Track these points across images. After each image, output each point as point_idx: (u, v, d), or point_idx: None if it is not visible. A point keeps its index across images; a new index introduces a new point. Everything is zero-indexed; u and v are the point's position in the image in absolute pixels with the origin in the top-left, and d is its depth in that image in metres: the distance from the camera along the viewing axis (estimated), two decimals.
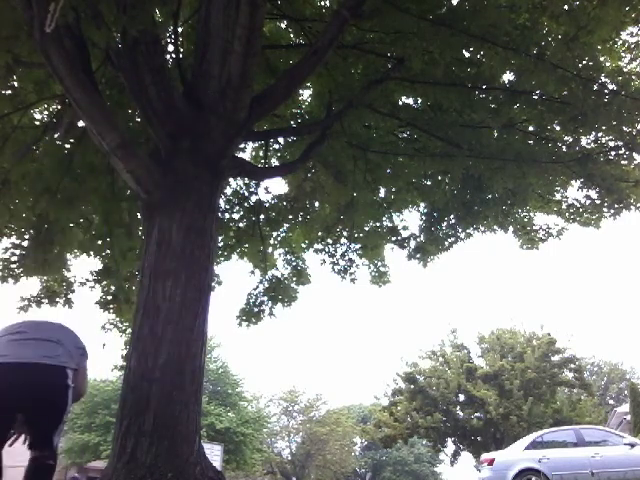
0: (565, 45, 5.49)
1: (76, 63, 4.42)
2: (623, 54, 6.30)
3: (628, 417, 19.53)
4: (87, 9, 4.27)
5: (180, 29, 6.09)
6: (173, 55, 6.00)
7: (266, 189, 8.56)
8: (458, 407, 24.30)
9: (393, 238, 8.39)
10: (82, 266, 9.72)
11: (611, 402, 39.77)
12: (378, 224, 8.33)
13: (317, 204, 8.30)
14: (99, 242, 7.38)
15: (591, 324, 74.41)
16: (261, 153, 7.92)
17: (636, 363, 43.95)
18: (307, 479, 36.09)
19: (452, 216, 8.10)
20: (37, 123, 6.81)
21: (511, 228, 8.34)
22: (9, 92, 5.89)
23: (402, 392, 25.46)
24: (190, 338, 4.20)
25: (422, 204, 8.26)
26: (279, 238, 8.41)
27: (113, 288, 7.70)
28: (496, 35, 5.40)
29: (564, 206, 7.95)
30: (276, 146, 7.82)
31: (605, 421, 25.41)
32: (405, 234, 8.36)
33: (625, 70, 6.12)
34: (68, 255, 7.57)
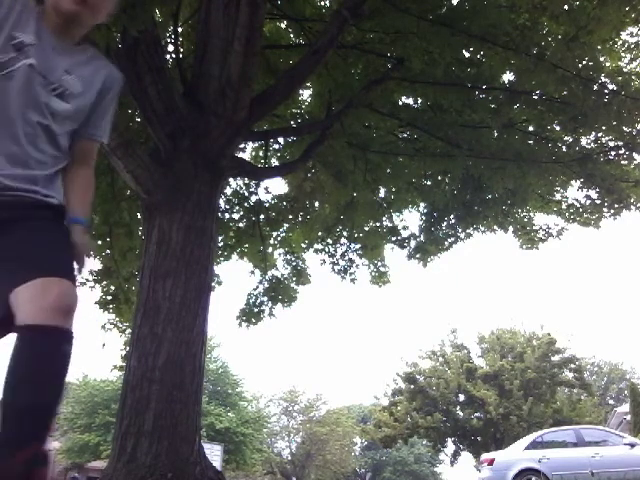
0: (565, 45, 5.48)
1: None
2: (623, 54, 6.30)
3: (628, 417, 19.53)
4: None
5: (180, 29, 6.09)
6: (173, 55, 6.00)
7: (266, 189, 8.58)
8: (458, 407, 24.30)
9: (393, 238, 8.40)
10: None
11: (611, 402, 39.76)
12: (378, 224, 8.34)
13: (317, 204, 8.31)
14: (99, 242, 7.38)
15: (591, 324, 74.42)
16: (261, 153, 7.93)
17: (636, 363, 43.97)
18: (307, 479, 36.08)
19: (452, 216, 8.11)
20: None
21: (511, 228, 8.34)
22: None
23: (402, 392, 25.47)
24: (190, 338, 4.20)
25: (422, 204, 8.26)
26: (279, 238, 8.41)
27: (113, 288, 7.70)
28: (496, 35, 5.40)
29: (564, 206, 7.95)
30: (276, 146, 7.83)
31: (605, 421, 25.42)
32: (405, 234, 8.37)
33: (625, 70, 6.12)
34: None
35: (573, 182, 7.41)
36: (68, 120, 1.56)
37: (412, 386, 24.89)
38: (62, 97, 1.51)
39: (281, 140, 7.71)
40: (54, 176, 1.56)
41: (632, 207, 7.19)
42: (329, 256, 8.56)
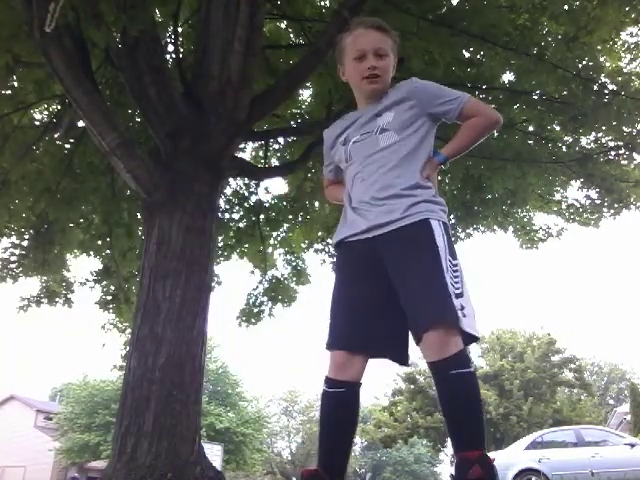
0: (565, 45, 5.49)
1: (76, 63, 4.42)
2: (623, 54, 6.29)
3: (628, 417, 19.56)
4: (87, 9, 4.27)
5: (180, 29, 6.09)
6: (173, 55, 6.00)
7: (266, 189, 8.56)
8: None
9: None
10: (82, 266, 9.75)
11: (611, 402, 39.81)
12: None
13: (317, 204, 8.30)
14: (99, 242, 7.38)
15: (591, 324, 74.46)
16: (261, 153, 7.92)
17: (636, 363, 43.99)
18: None
19: (452, 216, 8.10)
20: (37, 123, 6.82)
21: (511, 228, 8.34)
22: (9, 92, 5.89)
23: (402, 392, 25.48)
24: (190, 338, 4.20)
25: None
26: (279, 238, 8.41)
27: (113, 288, 7.71)
28: (496, 35, 5.40)
29: (564, 206, 7.95)
30: (276, 146, 7.82)
31: (605, 421, 25.46)
32: None
33: (625, 70, 6.12)
34: (68, 255, 7.58)
35: (573, 182, 7.40)
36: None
37: (412, 386, 24.91)
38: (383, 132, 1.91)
39: (281, 140, 7.71)
40: None
41: (632, 207, 7.19)
42: (329, 256, 8.55)
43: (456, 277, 1.72)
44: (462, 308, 1.68)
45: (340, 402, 1.86)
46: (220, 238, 7.72)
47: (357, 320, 1.81)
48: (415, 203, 1.78)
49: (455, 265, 1.75)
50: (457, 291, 1.69)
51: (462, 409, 1.66)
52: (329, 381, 1.86)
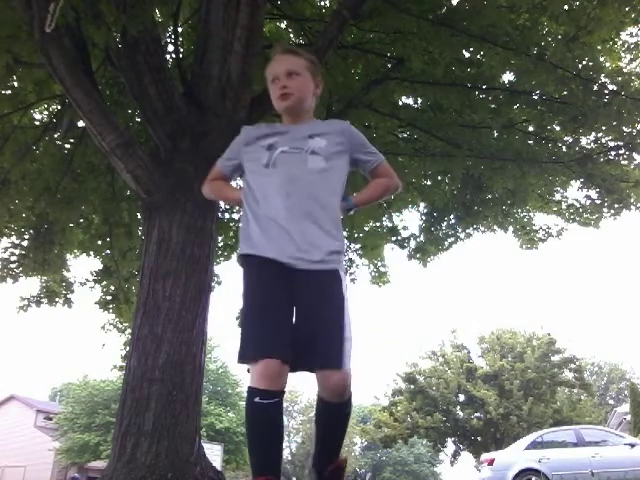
0: (565, 45, 5.49)
1: (76, 63, 4.42)
2: (623, 54, 6.30)
3: (628, 417, 19.55)
4: (87, 9, 4.27)
5: (180, 29, 6.09)
6: (173, 55, 6.00)
7: None
8: (458, 407, 24.31)
9: (393, 238, 8.39)
10: (82, 266, 9.76)
11: (611, 402, 39.83)
12: (378, 224, 8.32)
13: None
14: (99, 242, 7.38)
15: (591, 324, 74.48)
16: None
17: (636, 363, 43.99)
18: (307, 479, 36.07)
19: (452, 216, 8.10)
20: (37, 123, 6.82)
21: (511, 228, 8.34)
22: (9, 92, 5.89)
23: (402, 392, 25.47)
24: (190, 338, 4.20)
25: (422, 204, 8.25)
26: None
27: (113, 288, 7.70)
28: (496, 35, 5.40)
29: (564, 206, 7.95)
30: None
31: (605, 421, 25.47)
32: (405, 234, 8.37)
33: (625, 70, 6.12)
34: (68, 255, 7.58)
35: (573, 182, 7.40)
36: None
37: (412, 386, 24.90)
38: (313, 154, 2.06)
39: None
40: None
41: (632, 207, 7.19)
42: None
43: (349, 322, 1.97)
44: (348, 350, 1.93)
45: (277, 412, 1.94)
46: (220, 238, 7.72)
47: (282, 328, 1.89)
48: (332, 252, 1.96)
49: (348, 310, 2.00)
50: (349, 335, 1.93)
51: (342, 437, 2.13)
52: (262, 392, 1.91)
